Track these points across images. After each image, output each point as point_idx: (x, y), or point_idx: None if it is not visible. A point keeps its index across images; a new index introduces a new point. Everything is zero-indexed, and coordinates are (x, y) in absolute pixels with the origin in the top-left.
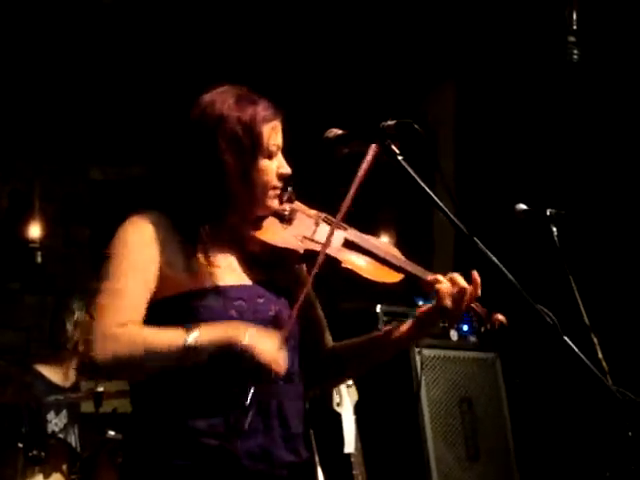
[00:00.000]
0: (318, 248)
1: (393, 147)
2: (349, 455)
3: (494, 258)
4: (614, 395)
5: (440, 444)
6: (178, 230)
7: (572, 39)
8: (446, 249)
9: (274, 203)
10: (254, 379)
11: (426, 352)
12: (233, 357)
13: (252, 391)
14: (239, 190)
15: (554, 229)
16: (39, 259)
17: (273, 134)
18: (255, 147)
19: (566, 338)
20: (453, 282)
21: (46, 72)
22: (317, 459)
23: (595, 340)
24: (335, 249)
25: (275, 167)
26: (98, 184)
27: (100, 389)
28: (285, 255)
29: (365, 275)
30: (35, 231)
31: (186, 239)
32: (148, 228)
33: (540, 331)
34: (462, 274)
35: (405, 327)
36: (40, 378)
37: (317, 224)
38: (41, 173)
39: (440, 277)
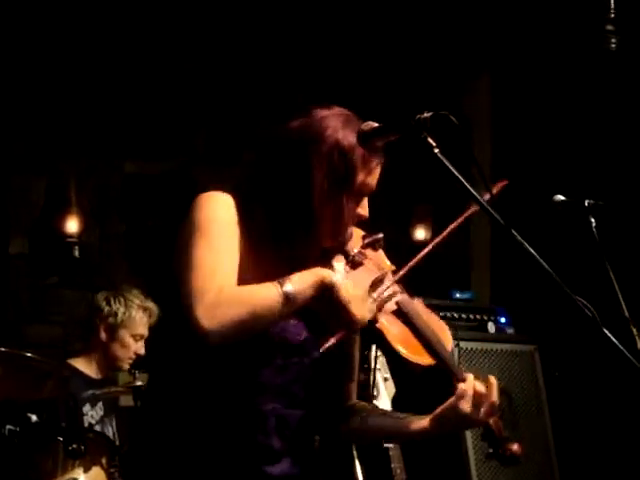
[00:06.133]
0: None
1: (430, 140)
2: (387, 449)
3: (532, 250)
4: None
5: (478, 438)
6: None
7: (610, 27)
8: (483, 242)
9: (342, 238)
10: (337, 323)
11: (463, 345)
12: (320, 299)
13: (332, 341)
14: (319, 212)
15: (592, 220)
16: (77, 253)
17: (368, 175)
18: (347, 177)
19: (605, 330)
20: (474, 386)
21: (81, 67)
22: (355, 453)
23: (635, 332)
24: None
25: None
26: (133, 178)
27: (138, 383)
28: None
29: (394, 345)
30: (72, 225)
31: (257, 233)
32: (229, 206)
33: (579, 323)
34: None
35: (424, 422)
36: (76, 373)
37: (380, 280)
38: (76, 168)
39: (468, 377)
